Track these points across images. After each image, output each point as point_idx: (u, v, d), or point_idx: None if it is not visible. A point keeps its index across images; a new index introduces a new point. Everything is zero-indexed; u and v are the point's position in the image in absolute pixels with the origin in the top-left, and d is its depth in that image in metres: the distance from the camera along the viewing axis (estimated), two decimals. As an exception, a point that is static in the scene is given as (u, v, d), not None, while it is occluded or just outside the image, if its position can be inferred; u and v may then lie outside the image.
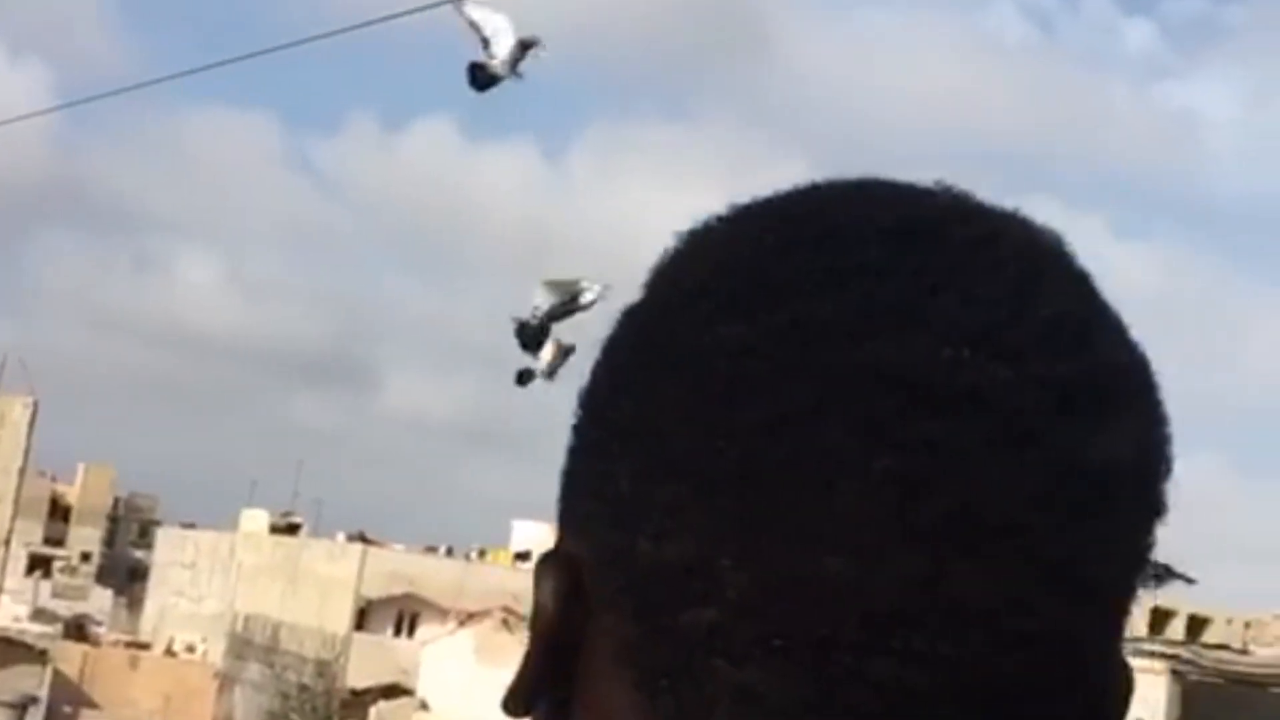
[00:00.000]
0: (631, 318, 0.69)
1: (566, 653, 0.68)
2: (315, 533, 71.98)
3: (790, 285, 0.64)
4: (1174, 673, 12.08)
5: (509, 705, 0.70)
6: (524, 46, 13.63)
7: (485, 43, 13.66)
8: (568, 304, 14.12)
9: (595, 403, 0.69)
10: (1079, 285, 0.68)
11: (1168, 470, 0.67)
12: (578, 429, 0.69)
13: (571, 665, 0.68)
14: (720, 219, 0.69)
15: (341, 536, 67.80)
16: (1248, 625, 14.13)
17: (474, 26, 13.70)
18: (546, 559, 0.71)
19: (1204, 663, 11.78)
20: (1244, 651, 11.78)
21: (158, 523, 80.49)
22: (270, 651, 63.78)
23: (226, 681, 65.46)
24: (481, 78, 13.76)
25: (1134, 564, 0.65)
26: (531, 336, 14.09)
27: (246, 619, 66.45)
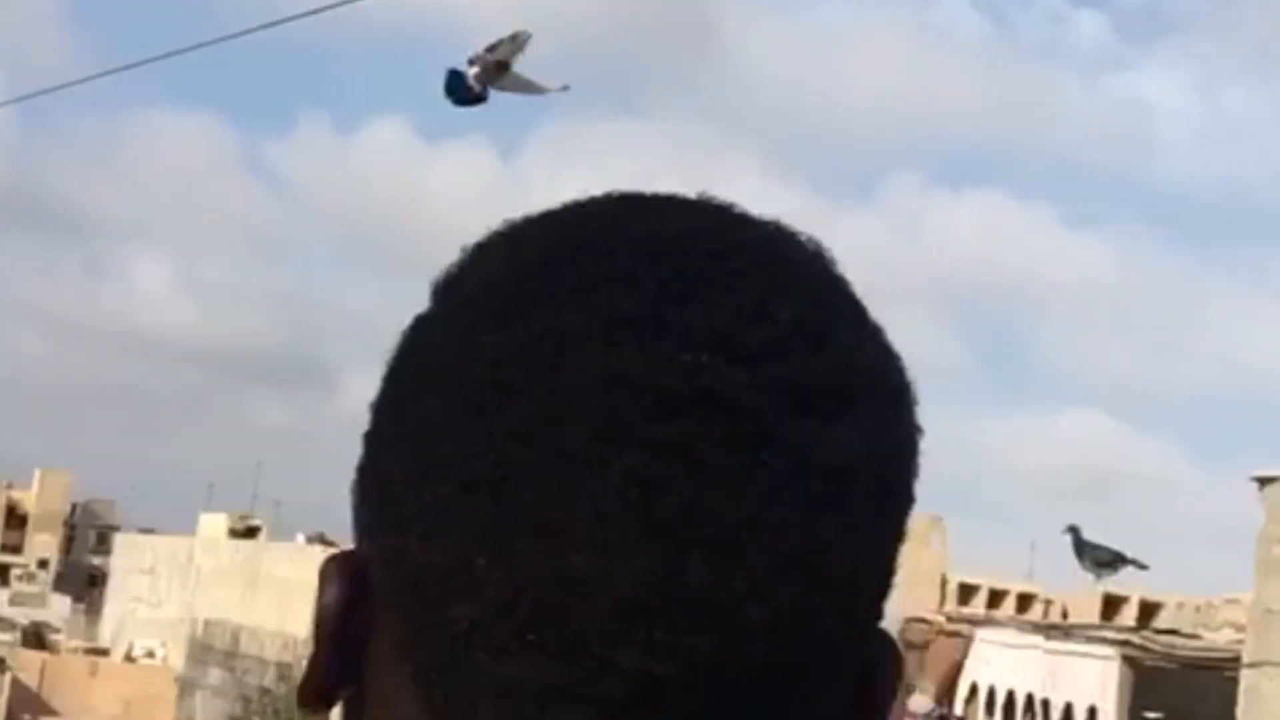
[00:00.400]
0: (415, 328, 0.73)
1: (353, 648, 0.72)
2: (275, 535, 71.55)
3: (544, 297, 0.68)
4: (1125, 658, 12.28)
5: (301, 699, 0.73)
6: (500, 67, 13.61)
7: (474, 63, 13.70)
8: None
9: (378, 409, 0.72)
10: (823, 292, 0.72)
11: (907, 465, 0.71)
12: (366, 435, 0.72)
13: (359, 660, 0.72)
14: (497, 233, 0.74)
15: (301, 538, 67.46)
16: (1199, 610, 14.36)
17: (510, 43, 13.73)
18: (333, 559, 0.73)
19: (1155, 647, 11.97)
20: (1194, 636, 11.98)
21: (115, 529, 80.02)
22: (231, 656, 63.47)
23: (187, 687, 65.14)
24: (460, 94, 13.73)
25: (876, 552, 0.70)
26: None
27: (206, 624, 66.13)
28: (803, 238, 0.74)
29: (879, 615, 0.72)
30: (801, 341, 0.68)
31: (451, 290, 0.73)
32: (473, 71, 13.72)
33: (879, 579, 0.70)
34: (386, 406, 0.72)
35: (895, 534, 0.71)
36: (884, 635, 0.73)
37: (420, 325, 0.73)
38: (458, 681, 0.67)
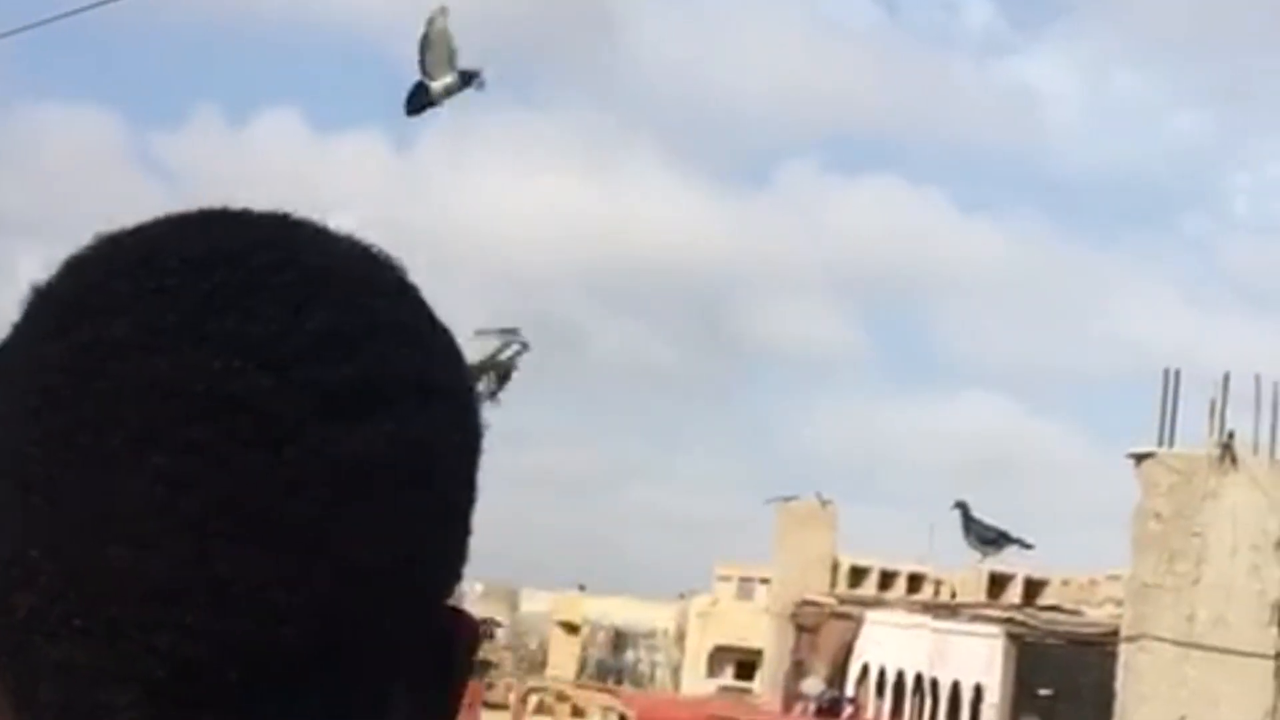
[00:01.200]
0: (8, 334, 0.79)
1: None
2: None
3: (97, 309, 0.75)
4: (1009, 635, 12.44)
5: None
6: (465, 78, 13.48)
7: (423, 63, 13.53)
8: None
9: None
10: (364, 303, 0.77)
11: (444, 460, 0.77)
12: None
13: None
14: (85, 247, 0.79)
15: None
16: (1082, 587, 14.58)
17: (427, 39, 13.55)
18: None
19: (1037, 624, 12.13)
20: (1076, 612, 12.14)
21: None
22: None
23: None
24: (418, 101, 13.59)
25: (414, 541, 0.75)
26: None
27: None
28: (375, 252, 0.81)
29: (440, 596, 0.78)
30: (333, 349, 0.75)
31: (34, 300, 0.78)
32: (436, 85, 13.59)
33: (427, 565, 0.77)
34: None
35: (438, 524, 0.77)
36: (455, 614, 0.79)
37: (11, 331, 0.78)
38: (23, 664, 0.73)
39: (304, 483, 0.72)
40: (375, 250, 0.82)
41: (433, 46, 13.75)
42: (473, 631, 0.82)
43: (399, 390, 0.76)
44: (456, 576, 0.80)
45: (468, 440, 0.80)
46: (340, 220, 0.86)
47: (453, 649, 0.79)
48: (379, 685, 0.76)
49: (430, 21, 13.71)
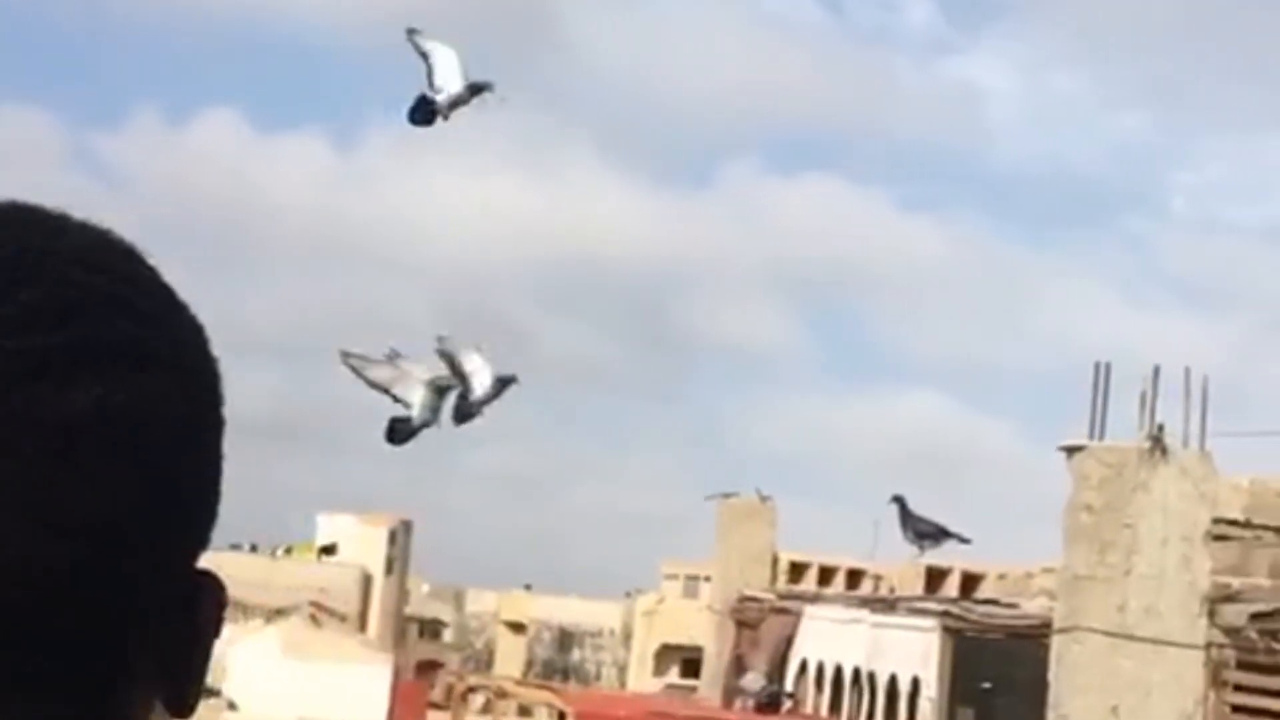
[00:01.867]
0: None
1: None
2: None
3: None
4: (946, 629, 12.52)
5: None
6: (474, 90, 13.39)
7: (431, 75, 13.40)
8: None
9: None
10: (83, 278, 0.85)
11: (162, 424, 0.84)
12: None
13: None
14: None
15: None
16: (1018, 580, 14.70)
17: (423, 57, 13.41)
18: None
19: (973, 617, 12.22)
20: (1011, 605, 12.23)
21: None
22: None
23: (28, 691, 63.93)
24: (423, 113, 13.46)
25: (135, 501, 0.82)
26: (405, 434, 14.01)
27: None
28: (110, 237, 0.90)
29: (177, 559, 0.86)
30: (45, 318, 0.81)
31: None
32: (443, 96, 13.44)
33: (148, 526, 0.83)
34: None
35: (152, 488, 0.83)
36: (201, 575, 0.88)
37: None
38: None
39: (11, 443, 0.78)
40: (111, 235, 0.90)
41: (435, 60, 13.63)
42: (219, 592, 0.88)
43: (111, 358, 0.82)
44: (198, 541, 0.87)
45: (197, 412, 0.87)
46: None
47: (197, 609, 0.86)
48: (111, 642, 0.82)
49: (414, 34, 13.59)
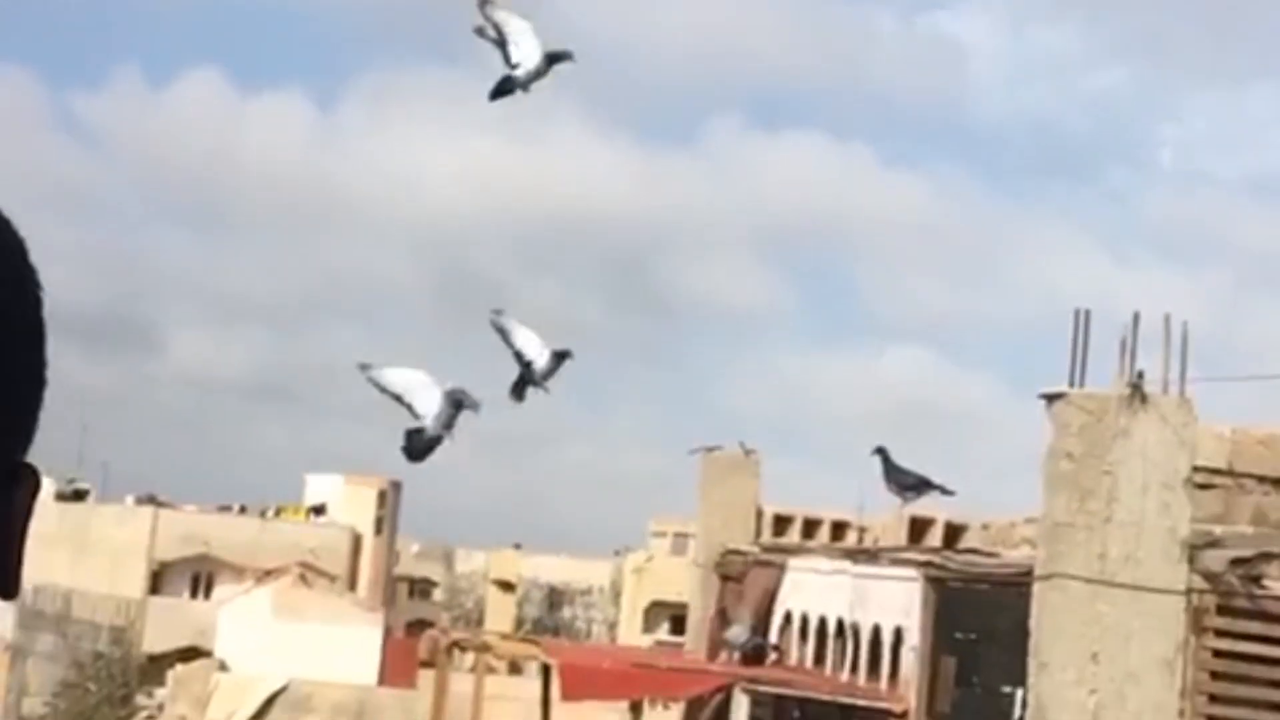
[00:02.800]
0: None
1: None
2: (103, 498, 70.48)
3: None
4: (928, 579, 12.53)
5: None
6: (552, 60, 13.20)
7: (504, 46, 13.20)
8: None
9: None
10: None
11: None
12: None
13: None
14: None
15: (130, 500, 66.52)
16: (1000, 530, 14.70)
17: (496, 29, 13.18)
18: None
19: (955, 566, 12.22)
20: (993, 554, 12.23)
21: (-62, 497, 78.10)
22: (62, 621, 62.47)
23: (18, 654, 64.01)
24: (504, 91, 13.26)
25: None
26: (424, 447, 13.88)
27: (35, 590, 65.02)
28: None
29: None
30: None
31: None
32: (522, 71, 13.23)
33: None
34: None
35: None
36: (17, 466, 0.96)
37: None
38: None
39: None
40: None
41: (510, 31, 13.40)
42: (34, 480, 0.98)
43: None
44: (15, 433, 0.95)
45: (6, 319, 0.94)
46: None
47: (12, 494, 0.94)
48: None
49: (486, 4, 13.32)
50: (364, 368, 13.97)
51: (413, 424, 13.47)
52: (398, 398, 13.50)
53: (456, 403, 13.78)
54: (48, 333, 0.95)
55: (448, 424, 13.51)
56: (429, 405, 13.53)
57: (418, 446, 13.17)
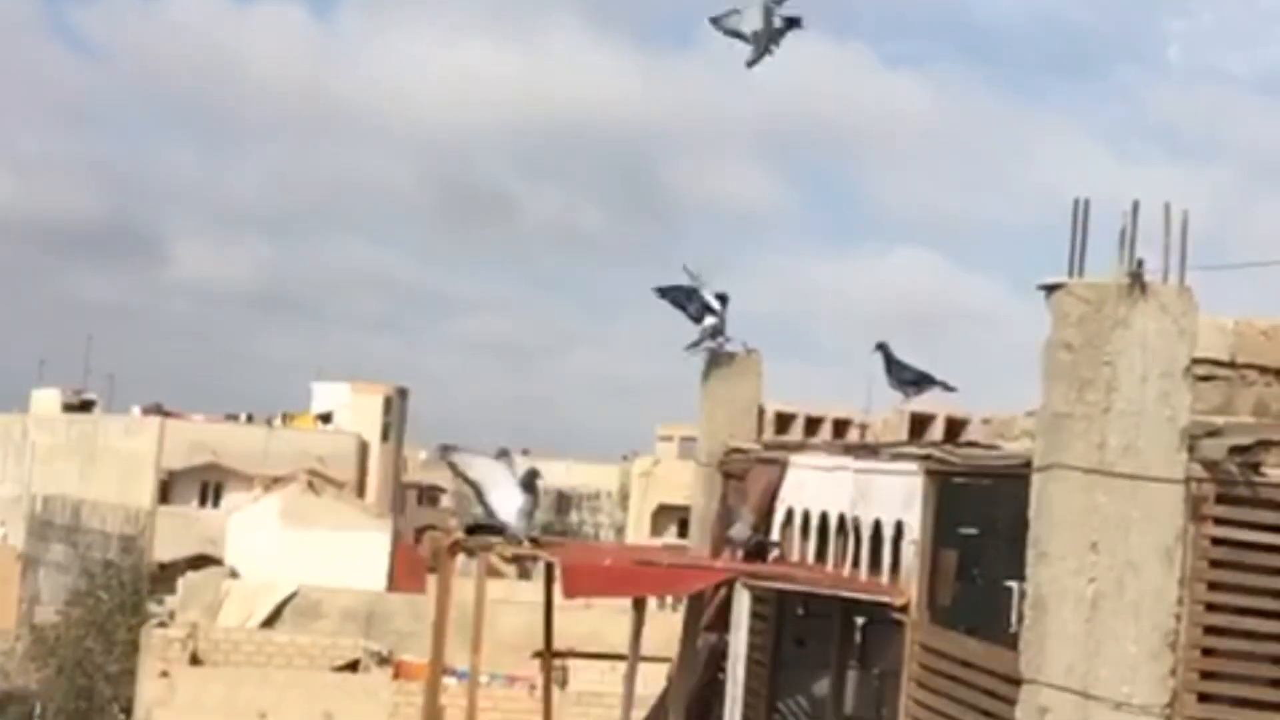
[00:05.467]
0: None
1: None
2: (110, 408, 70.69)
3: None
4: (929, 472, 12.52)
5: None
6: (790, 22, 13.27)
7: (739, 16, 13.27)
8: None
9: None
10: None
11: None
12: None
13: None
14: None
15: (137, 410, 66.71)
16: (1002, 423, 14.69)
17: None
18: None
19: (955, 459, 12.20)
20: (993, 447, 12.22)
21: (-55, 409, 78.32)
22: (72, 531, 62.86)
23: (29, 564, 64.42)
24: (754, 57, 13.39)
25: None
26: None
27: (45, 500, 65.31)
28: None
29: None
30: None
31: None
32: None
33: None
34: None
35: None
36: None
37: None
38: None
39: None
40: None
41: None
42: None
43: None
44: None
45: None
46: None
47: None
48: None
49: None
50: (446, 450, 14.15)
51: (480, 516, 13.69)
52: (476, 490, 13.60)
53: (531, 484, 13.98)
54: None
55: (529, 514, 13.75)
56: (506, 504, 13.67)
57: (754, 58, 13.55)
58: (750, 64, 13.76)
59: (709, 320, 15.63)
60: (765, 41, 13.28)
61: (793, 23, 13.60)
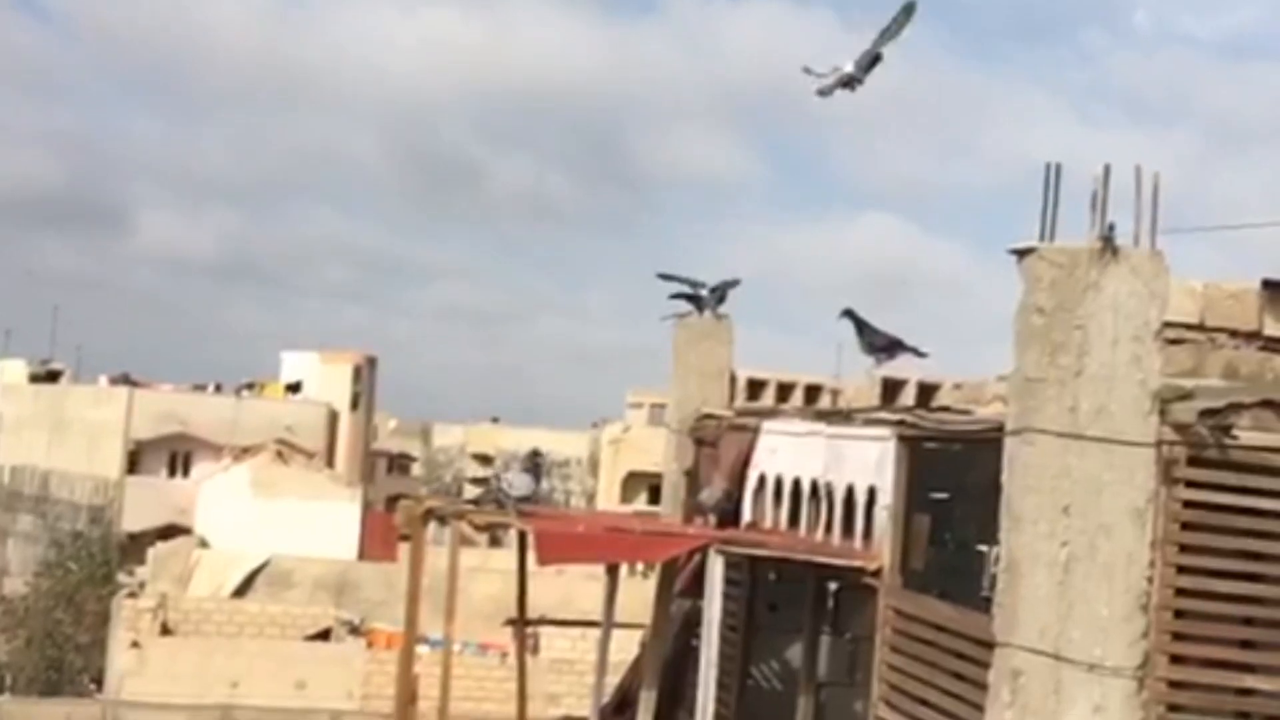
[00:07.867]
0: None
1: None
2: (77, 379, 70.39)
3: None
4: (901, 437, 12.54)
5: None
6: (874, 61, 14.08)
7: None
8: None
9: None
10: None
11: None
12: None
13: None
14: None
15: (105, 380, 66.45)
16: (974, 388, 14.72)
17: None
18: None
19: (927, 424, 12.22)
20: (965, 412, 12.24)
21: (-89, 381, 77.85)
22: (41, 501, 62.59)
23: (-2, 535, 64.19)
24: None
25: None
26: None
27: (13, 471, 65.05)
28: None
29: None
30: None
31: None
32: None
33: None
34: None
35: None
36: None
37: None
38: None
39: None
40: None
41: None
42: None
43: None
44: None
45: None
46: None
47: None
48: None
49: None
50: (497, 479, 15.86)
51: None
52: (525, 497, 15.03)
53: (536, 466, 16.07)
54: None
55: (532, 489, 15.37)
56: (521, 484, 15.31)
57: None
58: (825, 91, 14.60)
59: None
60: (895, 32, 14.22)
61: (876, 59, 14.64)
